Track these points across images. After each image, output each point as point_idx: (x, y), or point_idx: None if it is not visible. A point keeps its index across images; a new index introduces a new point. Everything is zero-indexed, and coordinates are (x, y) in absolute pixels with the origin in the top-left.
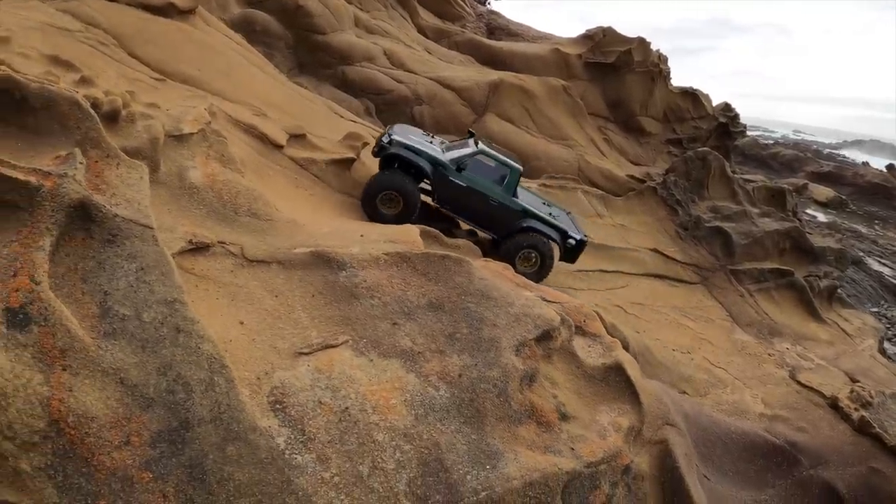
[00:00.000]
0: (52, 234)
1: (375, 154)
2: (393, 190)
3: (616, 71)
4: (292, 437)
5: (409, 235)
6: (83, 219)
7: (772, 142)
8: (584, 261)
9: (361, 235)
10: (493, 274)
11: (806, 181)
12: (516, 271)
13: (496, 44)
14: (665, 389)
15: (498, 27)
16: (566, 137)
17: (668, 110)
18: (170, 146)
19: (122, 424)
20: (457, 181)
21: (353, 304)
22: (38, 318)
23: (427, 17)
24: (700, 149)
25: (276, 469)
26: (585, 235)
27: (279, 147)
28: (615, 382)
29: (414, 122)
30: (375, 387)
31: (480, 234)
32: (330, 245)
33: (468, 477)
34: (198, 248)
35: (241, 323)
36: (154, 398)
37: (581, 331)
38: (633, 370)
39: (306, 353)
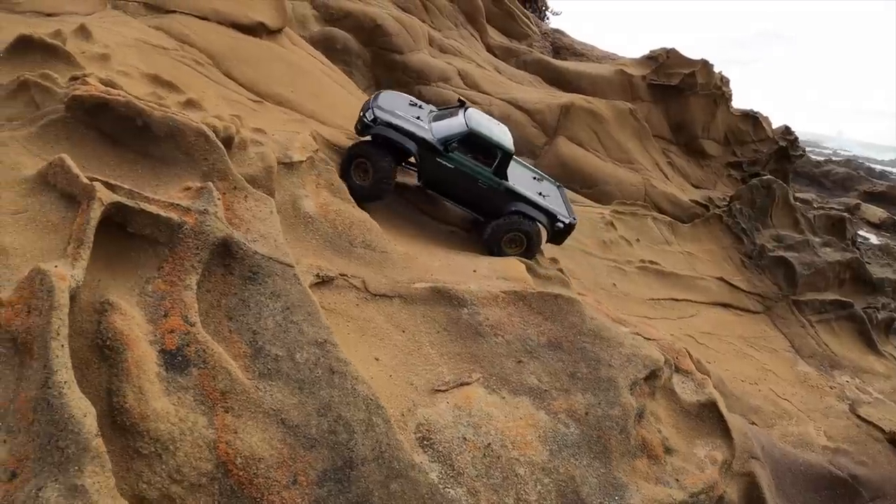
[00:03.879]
0: (197, 271)
1: (358, 132)
2: (363, 158)
3: (679, 93)
4: (443, 472)
5: (519, 272)
6: (222, 255)
7: (823, 158)
8: (656, 289)
9: (474, 271)
10: (597, 311)
11: (858, 201)
12: (503, 254)
13: (563, 64)
14: (745, 423)
15: (563, 46)
16: (632, 161)
17: (728, 133)
18: (281, 174)
19: (288, 465)
20: (444, 162)
21: (478, 342)
22: (196, 361)
23: (495, 36)
24: (764, 176)
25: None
26: (574, 217)
27: None
28: (709, 418)
29: None
30: (511, 423)
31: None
32: (447, 281)
33: None
34: (323, 282)
35: (377, 359)
36: (317, 438)
37: (675, 367)
38: (723, 406)
39: (443, 391)
